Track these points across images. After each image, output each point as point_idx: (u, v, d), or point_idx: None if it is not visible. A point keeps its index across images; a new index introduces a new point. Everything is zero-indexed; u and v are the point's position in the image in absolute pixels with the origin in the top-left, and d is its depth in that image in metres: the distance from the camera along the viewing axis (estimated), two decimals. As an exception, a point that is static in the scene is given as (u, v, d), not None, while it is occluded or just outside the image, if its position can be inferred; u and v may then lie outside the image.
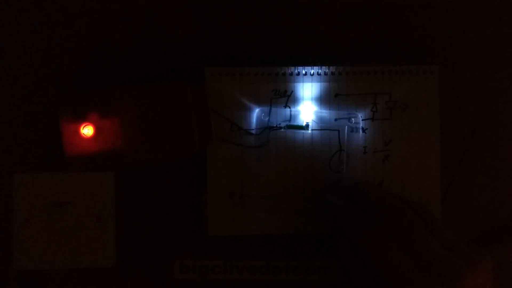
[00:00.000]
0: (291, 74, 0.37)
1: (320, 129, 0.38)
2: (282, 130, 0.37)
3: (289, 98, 0.38)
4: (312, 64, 0.37)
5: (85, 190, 0.35)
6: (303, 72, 0.37)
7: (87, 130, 0.35)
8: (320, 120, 0.38)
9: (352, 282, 0.32)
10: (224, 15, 0.39)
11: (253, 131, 0.37)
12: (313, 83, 0.38)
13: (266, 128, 0.37)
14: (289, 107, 0.38)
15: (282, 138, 0.38)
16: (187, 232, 0.38)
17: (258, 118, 0.37)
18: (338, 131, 0.37)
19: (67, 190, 0.35)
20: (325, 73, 0.37)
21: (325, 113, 0.38)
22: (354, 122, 0.37)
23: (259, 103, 0.38)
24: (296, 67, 0.37)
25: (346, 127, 0.37)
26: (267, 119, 0.37)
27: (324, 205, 0.36)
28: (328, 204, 0.34)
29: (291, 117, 0.38)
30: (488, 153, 0.39)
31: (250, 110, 0.38)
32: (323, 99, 0.38)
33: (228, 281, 0.38)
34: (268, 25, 0.39)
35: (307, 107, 0.37)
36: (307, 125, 0.37)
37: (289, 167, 0.38)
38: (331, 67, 0.37)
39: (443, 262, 0.28)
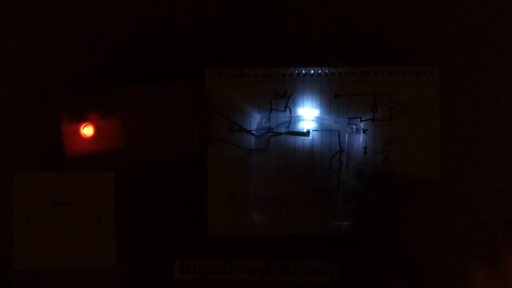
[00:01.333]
0: (291, 75, 0.37)
1: (321, 130, 0.38)
2: (283, 135, 0.37)
3: (289, 99, 0.38)
4: (312, 65, 0.37)
5: (85, 190, 0.36)
6: (303, 73, 0.37)
7: (87, 130, 0.35)
8: (320, 121, 0.38)
9: (384, 277, 0.31)
10: (224, 15, 0.39)
11: (254, 132, 0.37)
12: (313, 84, 0.38)
13: (267, 132, 0.37)
14: (289, 108, 0.38)
15: (282, 142, 0.38)
16: (187, 232, 0.38)
17: (259, 123, 0.37)
18: (339, 132, 0.37)
19: (67, 190, 0.35)
20: (325, 74, 0.37)
21: (326, 119, 0.37)
22: (354, 123, 0.37)
23: (259, 104, 0.38)
24: (296, 68, 0.37)
25: (347, 128, 0.37)
26: (267, 125, 0.37)
27: (347, 198, 0.36)
28: (355, 196, 0.34)
29: (291, 121, 0.37)
30: (488, 153, 0.39)
31: (250, 111, 0.38)
32: (323, 100, 0.38)
33: (228, 281, 0.38)
34: (268, 25, 0.39)
35: (307, 112, 0.37)
36: (307, 132, 0.37)
37: (289, 168, 0.38)
38: (331, 68, 0.37)
39: (480, 239, 0.27)
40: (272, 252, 0.38)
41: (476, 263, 0.26)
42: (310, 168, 0.38)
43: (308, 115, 0.38)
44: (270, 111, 0.38)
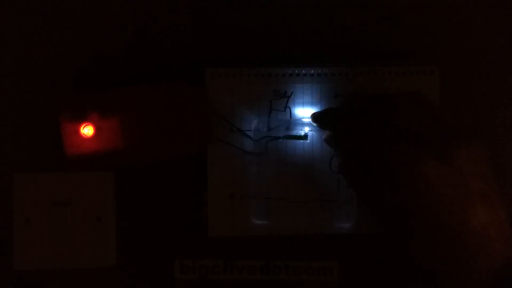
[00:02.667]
0: (291, 75, 0.37)
1: (321, 130, 0.37)
2: (281, 140, 0.37)
3: (289, 99, 0.37)
4: (312, 65, 0.37)
5: (85, 190, 0.35)
6: (303, 72, 0.37)
7: (87, 130, 0.35)
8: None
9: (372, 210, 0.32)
10: (224, 15, 0.39)
11: (252, 136, 0.37)
12: (313, 84, 0.38)
13: (265, 137, 0.37)
14: (289, 108, 0.37)
15: (281, 145, 0.38)
16: (187, 232, 0.38)
17: (256, 128, 0.37)
18: (328, 134, 0.37)
19: (67, 190, 0.35)
20: (325, 74, 0.37)
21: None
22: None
23: (258, 104, 0.37)
24: (296, 68, 0.37)
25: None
26: (265, 129, 0.37)
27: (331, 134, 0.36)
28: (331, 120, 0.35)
29: (290, 124, 0.37)
30: (489, 150, 0.39)
31: (250, 111, 0.38)
32: (323, 100, 0.38)
33: (228, 281, 0.38)
34: (268, 25, 0.39)
35: (307, 113, 0.37)
36: (305, 135, 0.37)
37: (289, 168, 0.38)
38: (331, 68, 0.37)
39: (435, 138, 0.28)
40: (272, 252, 0.38)
41: (431, 161, 0.27)
42: (310, 168, 0.38)
43: (306, 115, 0.37)
44: (270, 111, 0.37)
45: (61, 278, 0.38)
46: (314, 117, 0.36)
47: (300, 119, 0.37)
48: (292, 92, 0.37)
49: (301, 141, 0.38)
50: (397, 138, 0.29)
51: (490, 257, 0.27)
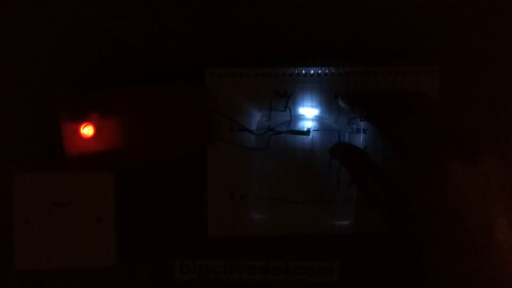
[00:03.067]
0: (291, 74, 0.37)
1: (321, 129, 0.38)
2: (283, 134, 0.37)
3: (289, 99, 0.37)
4: (312, 64, 0.37)
5: (85, 190, 0.35)
6: (303, 72, 0.37)
7: (87, 130, 0.35)
8: (320, 120, 0.38)
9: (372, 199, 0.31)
10: (224, 15, 0.39)
11: (255, 131, 0.37)
12: (313, 84, 0.38)
13: (267, 131, 0.37)
14: (289, 108, 0.38)
15: (282, 141, 0.38)
16: (187, 232, 0.38)
17: (259, 122, 0.37)
18: (339, 132, 0.37)
19: (67, 190, 0.35)
20: (325, 74, 0.37)
21: (326, 118, 0.37)
22: (354, 123, 0.37)
23: (259, 104, 0.38)
24: (296, 68, 0.37)
25: (347, 128, 0.37)
26: (268, 123, 0.37)
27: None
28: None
29: (291, 120, 0.37)
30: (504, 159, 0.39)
31: (250, 111, 0.38)
32: (323, 100, 0.38)
33: (228, 281, 0.38)
34: (267, 25, 0.39)
35: (308, 111, 0.37)
36: (308, 131, 0.37)
37: (289, 168, 0.38)
38: (331, 68, 0.37)
39: (464, 139, 0.28)
40: (272, 252, 0.38)
41: (455, 155, 0.27)
42: (310, 168, 0.38)
43: (308, 114, 0.38)
44: (270, 111, 0.38)
45: (61, 278, 0.38)
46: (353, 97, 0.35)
47: (301, 116, 0.37)
48: (292, 92, 0.38)
49: (302, 139, 0.38)
50: (428, 135, 0.28)
51: None
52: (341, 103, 0.36)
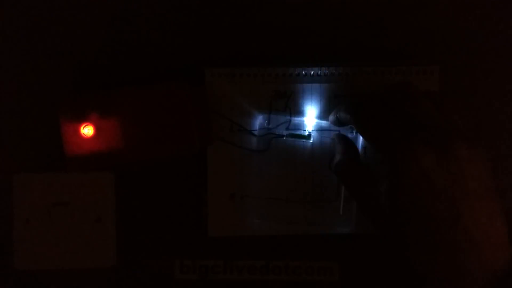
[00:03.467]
0: (291, 75, 0.37)
1: (321, 130, 0.38)
2: (284, 138, 0.37)
3: (289, 99, 0.37)
4: (312, 65, 0.37)
5: (85, 190, 0.35)
6: (303, 73, 0.37)
7: (87, 130, 0.35)
8: (320, 122, 0.38)
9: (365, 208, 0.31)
10: (224, 15, 0.39)
11: (256, 132, 0.37)
12: (313, 84, 0.38)
13: (268, 133, 0.37)
14: (289, 108, 0.37)
15: (283, 143, 0.38)
16: (187, 232, 0.38)
17: (261, 124, 0.37)
18: (339, 132, 0.37)
19: (67, 190, 0.35)
20: (325, 74, 0.37)
21: (325, 123, 0.37)
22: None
23: (259, 104, 0.38)
24: (296, 68, 0.37)
25: (346, 128, 0.37)
26: (269, 126, 0.37)
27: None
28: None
29: (292, 122, 0.37)
30: (489, 153, 0.39)
31: (250, 111, 0.38)
32: (323, 100, 0.38)
33: (228, 281, 0.38)
34: (268, 25, 0.39)
35: (308, 112, 0.37)
36: (309, 135, 0.37)
37: (289, 168, 0.38)
38: (331, 68, 0.37)
39: (439, 132, 0.28)
40: (272, 252, 0.38)
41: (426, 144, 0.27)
42: (310, 169, 0.38)
43: (308, 115, 0.38)
44: (270, 111, 0.38)
45: (61, 278, 0.38)
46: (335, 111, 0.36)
47: (301, 118, 0.37)
48: (292, 92, 0.37)
49: (303, 141, 0.38)
50: (402, 125, 0.28)
51: (486, 260, 0.26)
52: (330, 118, 0.36)
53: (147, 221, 0.38)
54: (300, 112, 0.38)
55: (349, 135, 0.37)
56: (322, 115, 0.38)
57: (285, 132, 0.37)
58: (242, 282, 0.38)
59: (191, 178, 0.38)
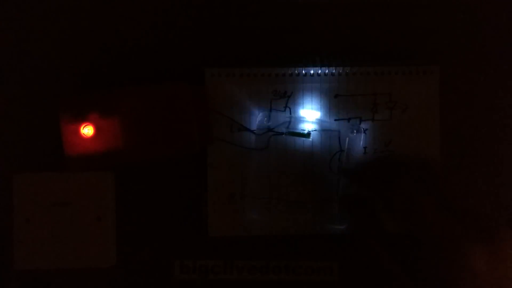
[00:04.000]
0: (291, 75, 0.37)
1: (321, 130, 0.37)
2: (284, 136, 0.37)
3: (289, 99, 0.37)
4: (312, 64, 0.37)
5: (85, 190, 0.35)
6: (303, 72, 0.37)
7: (87, 130, 0.35)
8: (320, 121, 0.38)
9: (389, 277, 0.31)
10: (224, 15, 0.39)
11: (255, 131, 0.37)
12: (313, 84, 0.38)
13: (267, 131, 0.37)
14: (289, 108, 0.38)
15: (282, 142, 0.38)
16: (187, 232, 0.38)
17: (260, 121, 0.37)
18: (339, 132, 0.37)
19: (67, 190, 0.35)
20: (325, 74, 0.37)
21: (326, 121, 0.37)
22: (354, 123, 0.37)
23: (259, 104, 0.38)
24: (296, 68, 0.37)
25: (347, 128, 0.37)
26: (269, 123, 0.37)
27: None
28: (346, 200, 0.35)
29: (292, 121, 0.37)
30: (488, 153, 0.39)
31: (250, 111, 0.38)
32: (323, 100, 0.38)
33: (228, 281, 0.38)
34: (268, 25, 0.39)
35: (308, 112, 0.37)
36: (308, 133, 0.37)
37: (289, 168, 0.38)
38: (331, 68, 0.37)
39: (480, 219, 0.28)
40: (272, 252, 0.38)
41: (477, 242, 0.26)
42: (310, 168, 0.38)
43: (308, 115, 0.38)
44: (270, 111, 0.38)
45: (61, 278, 0.38)
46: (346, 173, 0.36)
47: (301, 117, 0.37)
48: (292, 92, 0.38)
49: (302, 140, 0.38)
50: (441, 213, 0.28)
51: None
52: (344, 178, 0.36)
53: (147, 221, 0.38)
54: (299, 112, 0.38)
55: (350, 135, 0.37)
56: (322, 115, 0.37)
57: (284, 130, 0.37)
58: (242, 282, 0.38)
59: (191, 178, 0.38)
